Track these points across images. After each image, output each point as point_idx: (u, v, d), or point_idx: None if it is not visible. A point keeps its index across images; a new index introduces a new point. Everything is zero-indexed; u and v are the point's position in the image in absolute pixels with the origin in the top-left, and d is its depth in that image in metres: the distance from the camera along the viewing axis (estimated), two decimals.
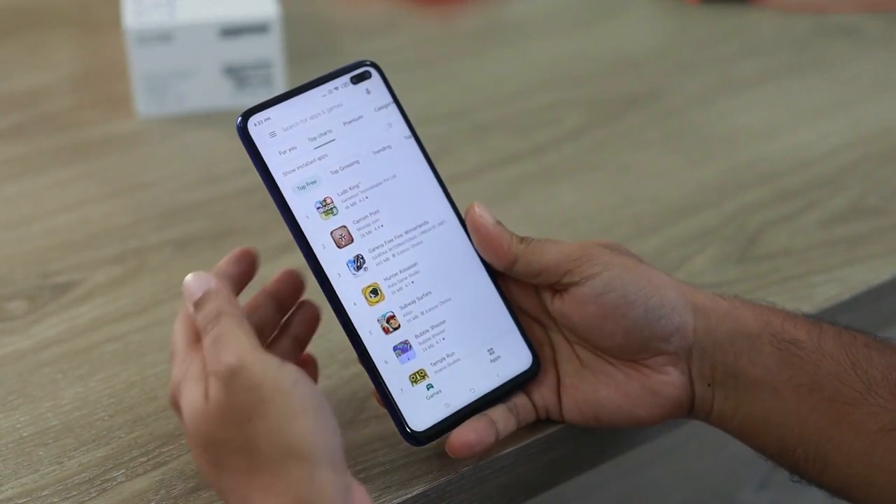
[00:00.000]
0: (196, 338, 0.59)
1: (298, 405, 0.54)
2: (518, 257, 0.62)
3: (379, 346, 0.61)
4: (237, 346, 0.55)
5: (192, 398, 0.56)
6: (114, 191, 0.88)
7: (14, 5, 1.14)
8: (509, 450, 0.64)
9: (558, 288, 0.62)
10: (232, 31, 0.95)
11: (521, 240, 0.63)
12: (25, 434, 0.66)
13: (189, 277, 0.59)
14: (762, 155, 0.92)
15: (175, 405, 0.58)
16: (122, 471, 0.63)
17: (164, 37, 0.94)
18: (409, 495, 0.62)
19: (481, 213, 0.63)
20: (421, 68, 1.05)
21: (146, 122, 0.96)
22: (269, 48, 0.96)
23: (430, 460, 0.63)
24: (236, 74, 0.96)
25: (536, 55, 1.08)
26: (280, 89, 0.97)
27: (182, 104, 0.97)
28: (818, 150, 0.92)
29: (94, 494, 0.62)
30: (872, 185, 0.88)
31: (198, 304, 0.59)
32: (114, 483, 0.63)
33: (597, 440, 0.68)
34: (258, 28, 0.95)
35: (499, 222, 0.63)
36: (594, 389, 0.63)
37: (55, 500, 0.62)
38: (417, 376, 0.61)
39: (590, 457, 0.69)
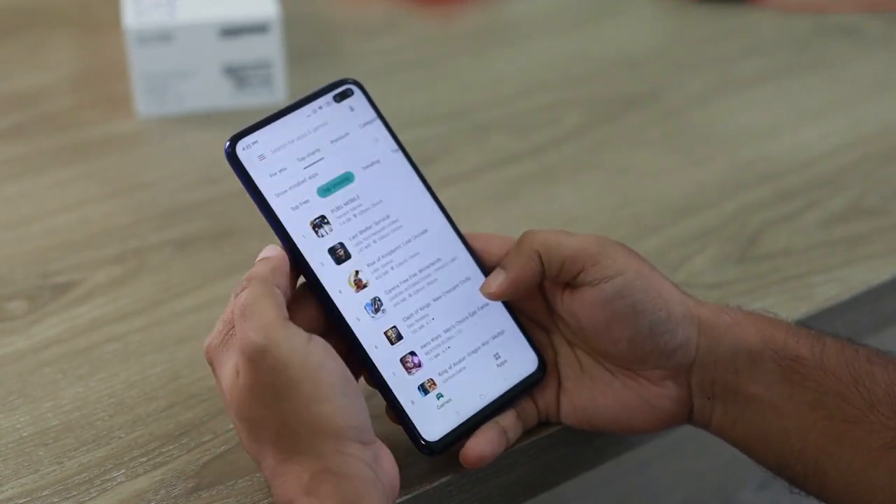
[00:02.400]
0: None
1: (326, 387, 0.55)
2: (540, 263, 0.61)
3: (386, 360, 0.61)
4: (263, 320, 0.56)
5: (226, 371, 0.58)
6: (114, 191, 0.88)
7: (14, 5, 1.14)
8: (509, 450, 0.64)
9: (572, 284, 0.62)
10: (232, 31, 0.95)
11: (526, 238, 0.62)
12: (25, 434, 0.66)
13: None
14: (762, 155, 0.92)
15: (210, 360, 0.59)
16: (122, 471, 0.63)
17: (163, 37, 0.94)
18: (410, 495, 0.62)
19: (491, 291, 0.62)
20: (421, 68, 1.05)
21: (146, 122, 0.96)
22: (269, 48, 0.96)
23: (430, 460, 0.63)
24: (236, 74, 0.96)
25: (536, 55, 1.08)
26: (280, 89, 0.97)
27: (182, 104, 0.96)
28: (818, 150, 0.92)
29: (94, 494, 0.62)
30: (872, 185, 0.88)
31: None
32: (114, 483, 0.63)
33: (597, 440, 0.68)
34: (258, 28, 0.95)
35: (499, 270, 0.62)
36: (591, 396, 0.63)
37: (55, 500, 0.62)
38: (427, 387, 0.61)
39: (590, 457, 0.69)
